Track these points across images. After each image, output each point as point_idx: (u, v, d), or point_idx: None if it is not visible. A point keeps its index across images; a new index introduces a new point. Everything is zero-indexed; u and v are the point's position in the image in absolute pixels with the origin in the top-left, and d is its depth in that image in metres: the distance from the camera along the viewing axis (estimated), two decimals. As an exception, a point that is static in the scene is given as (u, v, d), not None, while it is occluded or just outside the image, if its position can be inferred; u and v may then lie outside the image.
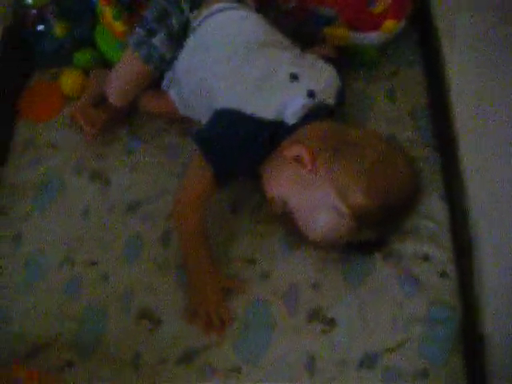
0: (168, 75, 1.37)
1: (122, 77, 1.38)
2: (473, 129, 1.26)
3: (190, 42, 1.32)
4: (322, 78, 1.25)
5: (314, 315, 1.18)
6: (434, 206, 1.28)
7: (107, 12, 1.42)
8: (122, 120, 1.46)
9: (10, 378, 1.06)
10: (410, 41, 1.52)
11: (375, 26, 1.37)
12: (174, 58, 1.34)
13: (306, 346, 1.16)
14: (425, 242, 1.24)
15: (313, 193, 1.13)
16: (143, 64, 1.32)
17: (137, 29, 1.33)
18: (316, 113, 1.21)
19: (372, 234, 1.16)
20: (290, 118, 1.19)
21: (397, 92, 1.45)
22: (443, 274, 1.20)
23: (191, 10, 1.33)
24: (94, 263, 1.27)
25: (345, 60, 1.37)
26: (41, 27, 1.52)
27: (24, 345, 1.20)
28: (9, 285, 1.26)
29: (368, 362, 1.13)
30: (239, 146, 1.19)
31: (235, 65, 1.24)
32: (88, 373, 1.16)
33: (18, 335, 1.21)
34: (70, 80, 1.50)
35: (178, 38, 1.33)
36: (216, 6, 1.33)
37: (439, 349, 1.13)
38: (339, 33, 1.40)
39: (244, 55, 1.25)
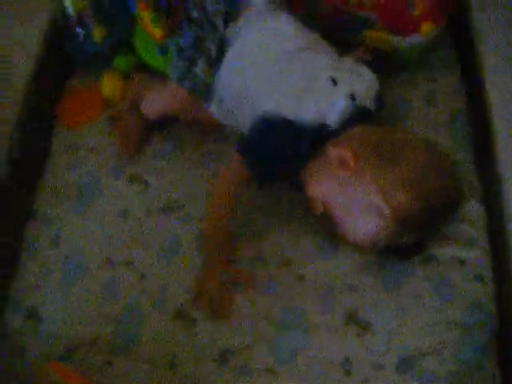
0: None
1: (165, 102, 1.40)
2: (511, 133, 1.26)
3: (229, 54, 1.33)
4: (361, 82, 1.25)
5: (351, 318, 1.18)
6: (472, 210, 1.27)
7: (145, 16, 1.44)
8: (157, 128, 1.48)
9: (45, 379, 1.07)
10: (449, 45, 1.52)
11: (414, 29, 1.37)
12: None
13: (342, 348, 1.15)
14: (462, 246, 1.23)
15: (355, 194, 1.14)
16: (189, 94, 1.34)
17: (175, 60, 1.35)
18: (357, 116, 1.21)
19: (412, 238, 1.15)
20: (333, 121, 1.19)
21: (435, 97, 1.44)
22: (480, 279, 1.19)
23: (225, 24, 1.35)
24: (131, 264, 1.29)
25: (383, 63, 1.36)
26: (80, 31, 1.54)
27: (60, 346, 1.21)
28: (47, 286, 1.28)
29: (404, 365, 1.13)
30: (282, 157, 1.19)
31: (275, 71, 1.25)
32: (125, 373, 1.17)
33: (55, 336, 1.22)
34: (109, 83, 1.53)
35: (218, 58, 1.33)
36: (250, 15, 1.34)
37: (475, 353, 1.12)
38: (378, 36, 1.40)
39: (283, 61, 1.26)
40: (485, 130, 1.34)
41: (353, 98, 1.20)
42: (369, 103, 1.25)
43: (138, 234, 1.32)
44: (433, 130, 1.39)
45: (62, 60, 1.58)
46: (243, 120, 1.29)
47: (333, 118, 1.20)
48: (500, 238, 1.22)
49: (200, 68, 1.31)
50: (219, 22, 1.33)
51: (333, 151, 1.15)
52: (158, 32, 1.44)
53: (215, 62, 1.33)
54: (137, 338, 1.21)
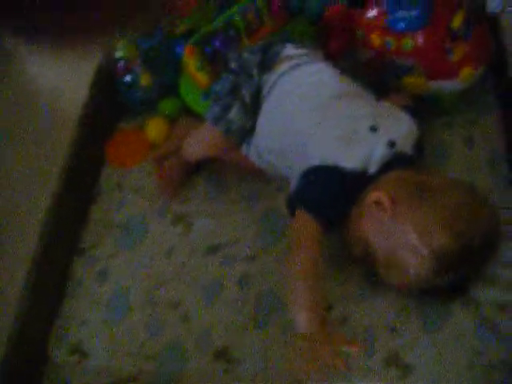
0: (247, 141, 1.40)
1: (203, 144, 1.42)
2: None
3: (266, 105, 1.35)
4: (400, 128, 1.26)
5: (391, 360, 1.17)
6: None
7: (191, 63, 1.48)
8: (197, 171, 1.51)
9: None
10: (488, 87, 1.51)
11: (453, 74, 1.38)
12: (253, 124, 1.37)
13: (383, 390, 1.15)
14: (503, 290, 1.21)
15: (393, 236, 1.14)
16: (223, 137, 1.36)
17: (212, 105, 1.38)
18: (397, 162, 1.22)
19: (452, 279, 1.14)
20: (373, 168, 1.21)
21: (475, 140, 1.43)
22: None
23: (261, 75, 1.38)
24: (175, 304, 1.31)
25: (422, 108, 1.37)
26: (128, 78, 1.59)
27: (103, 380, 1.24)
28: (92, 321, 1.32)
29: (446, 409, 1.12)
30: (337, 200, 1.20)
31: (317, 120, 1.26)
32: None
33: (98, 370, 1.25)
34: (155, 128, 1.57)
35: (253, 105, 1.36)
36: (286, 65, 1.36)
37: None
38: (418, 82, 1.41)
39: (323, 109, 1.27)
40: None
41: (392, 144, 1.22)
42: (408, 149, 1.25)
43: (182, 274, 1.35)
44: (473, 173, 1.38)
45: (110, 104, 1.63)
46: (285, 169, 1.32)
47: (373, 165, 1.21)
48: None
49: (234, 113, 1.34)
50: (254, 71, 1.37)
51: (370, 195, 1.17)
52: (203, 78, 1.48)
53: (250, 109, 1.36)
54: (178, 377, 1.22)
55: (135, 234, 1.42)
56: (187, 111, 1.58)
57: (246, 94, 1.35)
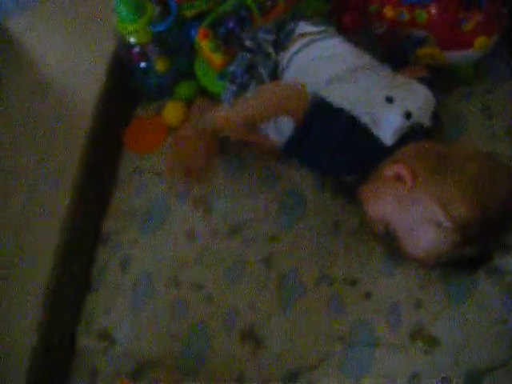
0: None
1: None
2: None
3: (284, 81, 1.35)
4: (417, 99, 1.25)
5: (417, 334, 1.18)
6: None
7: (205, 45, 1.48)
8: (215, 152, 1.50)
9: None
10: (502, 56, 1.50)
11: (468, 43, 1.36)
12: None
13: (410, 364, 1.15)
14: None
15: (414, 210, 1.13)
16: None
17: (228, 86, 1.39)
18: (413, 134, 1.21)
19: (475, 249, 1.13)
20: (388, 138, 1.20)
21: (492, 109, 1.43)
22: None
23: (277, 52, 1.38)
24: (199, 286, 1.32)
25: (438, 79, 1.36)
26: (143, 64, 1.59)
27: (130, 364, 1.25)
28: (117, 307, 1.32)
29: (472, 380, 1.12)
30: (327, 142, 1.21)
31: (333, 91, 1.25)
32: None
33: (125, 355, 1.27)
34: (172, 111, 1.57)
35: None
36: (301, 42, 1.36)
37: (545, 365, 1.11)
38: (432, 53, 1.40)
39: (339, 81, 1.27)
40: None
41: (408, 115, 1.20)
42: (425, 120, 1.24)
43: (205, 256, 1.35)
44: (491, 142, 1.38)
45: (126, 91, 1.63)
46: None
47: (388, 135, 1.20)
48: None
49: (251, 92, 1.34)
50: (270, 50, 1.36)
51: (389, 169, 1.16)
52: (217, 60, 1.48)
53: None
54: (204, 358, 1.24)
55: (156, 218, 1.42)
56: (203, 93, 1.58)
57: (264, 72, 1.35)
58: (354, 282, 1.26)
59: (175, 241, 1.38)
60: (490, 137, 1.39)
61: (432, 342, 1.17)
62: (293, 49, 1.36)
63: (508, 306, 1.17)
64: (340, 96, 1.22)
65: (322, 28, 1.40)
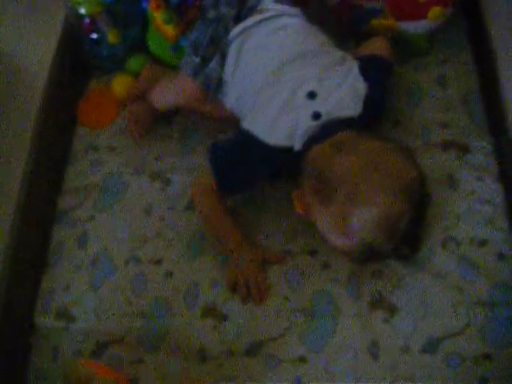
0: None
1: (176, 94, 1.41)
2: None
3: (231, 57, 1.34)
4: (343, 90, 1.25)
5: (377, 302, 1.19)
6: (489, 188, 1.28)
7: (157, 17, 1.45)
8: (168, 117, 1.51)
9: (78, 375, 1.09)
10: (458, 26, 1.51)
11: (422, 14, 1.37)
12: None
13: (370, 332, 1.17)
14: (481, 225, 1.24)
15: (318, 227, 1.19)
16: (201, 89, 1.35)
17: (190, 56, 1.36)
18: (324, 133, 1.21)
19: (390, 245, 1.15)
20: (298, 143, 1.22)
21: (448, 79, 1.44)
22: (501, 256, 1.19)
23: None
24: (158, 260, 1.31)
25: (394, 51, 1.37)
26: (94, 35, 1.56)
27: (91, 343, 1.24)
28: (76, 284, 1.31)
29: (430, 347, 1.14)
30: (246, 171, 1.24)
31: (264, 85, 1.27)
32: (156, 368, 1.20)
33: (86, 334, 1.25)
34: (121, 83, 1.55)
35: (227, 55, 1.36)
36: (251, 20, 1.34)
37: (501, 331, 1.13)
38: (387, 24, 1.40)
39: (274, 74, 1.27)
40: (498, 108, 1.34)
41: (317, 116, 1.22)
42: (350, 111, 1.24)
43: (163, 231, 1.34)
44: (447, 112, 1.39)
45: (78, 63, 1.60)
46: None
47: (297, 140, 1.22)
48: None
49: (213, 65, 1.33)
50: (230, 24, 1.35)
51: (292, 195, 1.21)
52: (170, 31, 1.45)
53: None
54: (166, 334, 1.23)
55: (113, 193, 1.41)
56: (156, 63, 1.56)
57: (225, 45, 1.34)
58: (313, 253, 1.27)
59: (133, 216, 1.37)
60: (446, 106, 1.40)
61: (391, 311, 1.18)
62: (243, 24, 1.34)
63: (464, 275, 1.19)
64: (262, 110, 1.26)
65: (285, 7, 1.38)
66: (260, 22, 1.34)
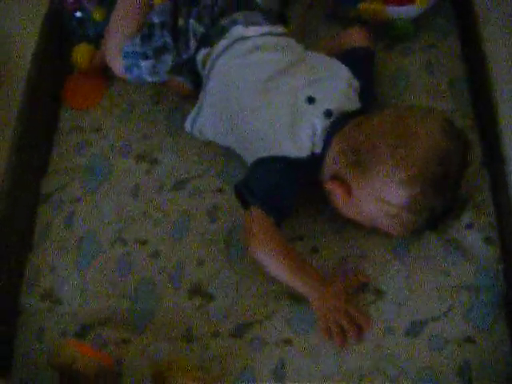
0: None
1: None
2: (511, 96, 1.27)
3: (209, 88, 1.33)
4: (338, 87, 1.26)
5: (362, 286, 1.20)
6: (475, 174, 1.28)
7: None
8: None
9: (63, 355, 1.09)
10: (445, 12, 1.51)
11: (409, -1, 1.38)
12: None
13: (355, 315, 1.18)
14: (467, 209, 1.24)
15: (364, 210, 1.19)
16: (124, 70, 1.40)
17: (137, 39, 1.37)
18: (340, 126, 1.22)
19: (434, 212, 1.16)
20: (318, 146, 1.22)
21: (434, 64, 1.44)
22: (487, 241, 1.20)
23: (198, 48, 1.36)
24: (144, 241, 1.31)
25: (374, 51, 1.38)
26: (79, 14, 1.55)
27: (77, 323, 1.24)
28: (62, 266, 1.31)
29: (414, 329, 1.15)
30: (287, 192, 1.21)
31: (258, 109, 1.26)
32: (142, 349, 1.20)
33: (71, 315, 1.25)
34: (82, 54, 1.54)
35: (176, 72, 1.39)
36: (225, 42, 1.33)
37: (485, 315, 1.15)
38: (374, 8, 1.40)
39: (262, 94, 1.26)
40: (485, 94, 1.35)
41: (328, 114, 1.22)
42: (353, 104, 1.26)
43: (150, 211, 1.34)
44: (433, 97, 1.40)
45: (63, 42, 1.58)
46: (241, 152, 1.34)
47: (318, 144, 1.22)
48: (504, 200, 1.24)
49: (147, 64, 1.38)
50: (192, 41, 1.36)
51: (327, 187, 1.20)
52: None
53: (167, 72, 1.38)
54: (152, 314, 1.23)
55: (99, 174, 1.40)
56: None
57: (170, 60, 1.37)
58: (300, 238, 1.27)
59: (119, 197, 1.37)
60: (432, 91, 1.41)
61: (377, 293, 1.19)
62: (214, 51, 1.34)
63: (451, 259, 1.20)
64: (270, 133, 1.24)
65: (257, 28, 1.36)
66: (229, 47, 1.33)
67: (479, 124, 1.36)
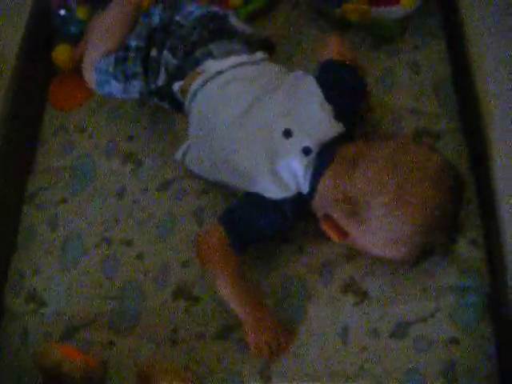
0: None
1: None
2: (496, 98, 1.27)
3: (193, 118, 1.32)
4: (315, 118, 1.21)
5: (348, 287, 1.20)
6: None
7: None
8: None
9: (47, 358, 1.09)
10: (431, 13, 1.51)
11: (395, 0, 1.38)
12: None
13: (340, 317, 1.18)
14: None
15: (359, 246, 1.18)
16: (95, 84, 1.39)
17: (112, 58, 1.37)
18: (324, 161, 1.19)
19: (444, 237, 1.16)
20: (303, 184, 1.19)
21: (420, 65, 1.44)
22: (473, 243, 1.20)
23: (171, 81, 1.35)
24: (129, 243, 1.31)
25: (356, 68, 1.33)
26: (63, 12, 1.54)
27: (61, 326, 1.24)
28: (46, 268, 1.30)
29: (399, 331, 1.16)
30: (259, 223, 1.20)
31: (237, 143, 1.23)
32: (127, 351, 1.20)
33: (56, 317, 1.25)
34: (61, 54, 1.53)
35: (148, 96, 1.38)
36: (200, 78, 1.31)
37: (469, 317, 1.15)
38: (360, 8, 1.41)
39: (241, 129, 1.23)
40: (471, 96, 1.35)
41: (307, 151, 1.19)
42: (334, 127, 1.22)
43: (135, 213, 1.34)
44: (419, 98, 1.39)
45: (48, 42, 1.57)
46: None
47: (302, 182, 1.19)
48: (489, 202, 1.24)
49: (116, 84, 1.37)
50: (161, 76, 1.35)
51: (323, 227, 1.17)
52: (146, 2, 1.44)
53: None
54: (137, 316, 1.23)
55: (84, 176, 1.40)
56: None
57: (136, 87, 1.38)
58: (286, 238, 1.27)
59: (104, 198, 1.37)
60: (418, 93, 1.40)
61: (362, 295, 1.19)
62: (194, 84, 1.31)
63: (435, 262, 1.20)
64: (252, 174, 1.21)
65: (229, 60, 1.32)
66: (205, 81, 1.30)
67: (465, 126, 1.36)
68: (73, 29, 1.56)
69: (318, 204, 1.19)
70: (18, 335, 1.24)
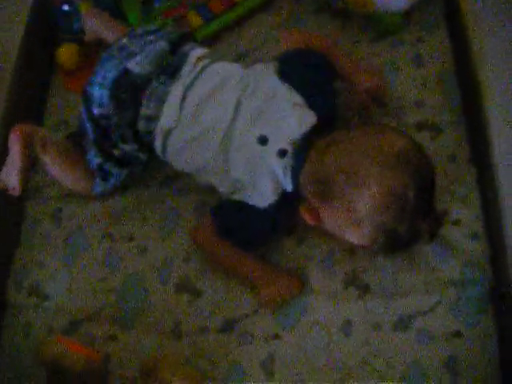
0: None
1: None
2: (499, 91, 1.27)
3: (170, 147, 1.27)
4: (286, 116, 1.20)
5: (350, 281, 1.21)
6: (462, 169, 1.28)
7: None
8: None
9: (50, 351, 1.09)
10: (434, 5, 1.50)
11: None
12: None
13: (342, 310, 1.19)
14: (455, 205, 1.24)
15: (331, 230, 1.17)
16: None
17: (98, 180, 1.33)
18: (301, 156, 1.18)
19: (406, 225, 1.11)
20: (287, 185, 1.20)
21: (423, 57, 1.43)
22: (474, 236, 1.21)
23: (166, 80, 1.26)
24: (131, 237, 1.31)
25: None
26: (66, 7, 1.54)
27: (64, 319, 1.25)
28: (49, 262, 1.31)
29: (402, 324, 1.16)
30: (251, 226, 1.22)
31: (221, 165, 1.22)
32: (130, 344, 1.21)
33: (59, 310, 1.26)
34: (65, 54, 1.53)
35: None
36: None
37: (471, 310, 1.16)
38: (362, 0, 1.40)
39: (220, 150, 1.21)
40: (473, 88, 1.34)
41: (282, 154, 1.18)
42: (307, 119, 1.20)
43: (138, 208, 1.34)
44: (422, 90, 1.39)
45: (48, 36, 1.58)
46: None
47: (285, 183, 1.19)
48: (491, 195, 1.24)
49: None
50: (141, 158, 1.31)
51: (300, 211, 1.16)
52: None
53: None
54: (140, 310, 1.24)
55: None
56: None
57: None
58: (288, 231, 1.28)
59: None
60: (421, 85, 1.39)
61: (364, 289, 1.20)
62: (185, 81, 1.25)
63: (438, 254, 1.20)
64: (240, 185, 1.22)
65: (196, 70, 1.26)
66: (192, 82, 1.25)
67: (467, 119, 1.35)
68: (75, 24, 1.55)
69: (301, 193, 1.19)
70: (20, 329, 1.25)
